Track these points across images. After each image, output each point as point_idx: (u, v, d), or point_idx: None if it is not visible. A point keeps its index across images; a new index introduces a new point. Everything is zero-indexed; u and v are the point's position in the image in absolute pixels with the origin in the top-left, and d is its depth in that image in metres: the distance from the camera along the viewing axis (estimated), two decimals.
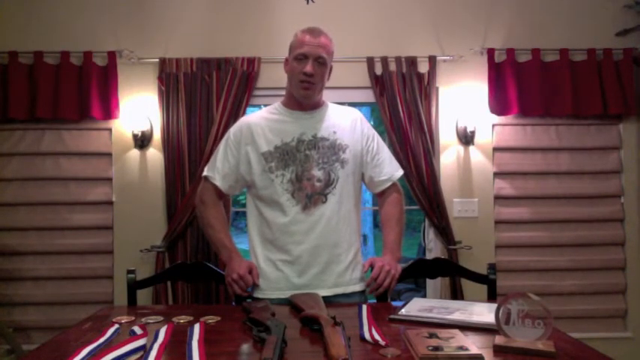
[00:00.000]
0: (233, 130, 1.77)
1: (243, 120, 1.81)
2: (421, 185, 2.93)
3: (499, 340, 1.14)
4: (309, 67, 1.63)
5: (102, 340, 1.17)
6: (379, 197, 1.84)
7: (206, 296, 2.91)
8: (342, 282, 1.66)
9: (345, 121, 1.77)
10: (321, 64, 1.66)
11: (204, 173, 1.78)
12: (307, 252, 1.63)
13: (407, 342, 1.14)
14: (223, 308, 1.97)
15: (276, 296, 1.61)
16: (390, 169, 1.80)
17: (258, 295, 1.66)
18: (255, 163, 1.69)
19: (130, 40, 3.00)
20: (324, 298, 1.49)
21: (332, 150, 1.69)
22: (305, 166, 1.66)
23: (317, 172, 1.66)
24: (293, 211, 1.64)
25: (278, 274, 1.65)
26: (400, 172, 1.82)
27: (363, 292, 1.72)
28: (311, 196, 1.65)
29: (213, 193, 1.76)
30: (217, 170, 1.74)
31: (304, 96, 1.69)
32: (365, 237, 7.39)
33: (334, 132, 1.72)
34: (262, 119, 1.75)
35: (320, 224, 1.64)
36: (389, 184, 1.79)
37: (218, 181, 1.73)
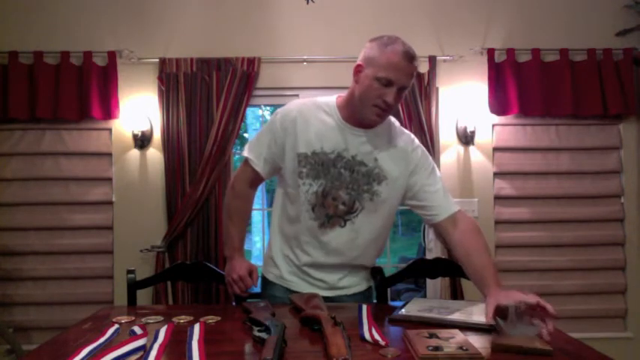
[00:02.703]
0: (282, 113, 1.60)
1: (294, 106, 1.61)
2: None
3: (498, 339, 1.14)
4: (391, 98, 1.44)
5: (102, 340, 1.17)
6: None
7: (206, 296, 2.92)
8: (344, 285, 1.65)
9: (395, 149, 1.58)
10: (401, 92, 1.47)
11: (246, 154, 1.64)
12: (311, 263, 1.60)
13: (407, 342, 1.14)
14: (223, 308, 1.97)
15: (283, 284, 1.63)
16: (445, 204, 1.57)
17: (267, 275, 1.67)
18: (289, 160, 1.57)
19: (130, 40, 3.00)
20: (326, 298, 1.49)
21: (366, 178, 1.54)
22: (335, 184, 1.53)
23: (344, 195, 1.54)
24: (308, 224, 1.56)
25: (288, 268, 1.65)
26: (454, 208, 1.57)
27: (366, 290, 1.70)
28: (331, 217, 1.56)
29: (247, 182, 1.67)
30: (260, 154, 1.61)
31: (373, 122, 1.51)
32: None
33: (376, 159, 1.55)
34: (312, 115, 1.57)
35: (329, 246, 1.58)
36: (440, 219, 1.57)
37: (259, 167, 1.62)
